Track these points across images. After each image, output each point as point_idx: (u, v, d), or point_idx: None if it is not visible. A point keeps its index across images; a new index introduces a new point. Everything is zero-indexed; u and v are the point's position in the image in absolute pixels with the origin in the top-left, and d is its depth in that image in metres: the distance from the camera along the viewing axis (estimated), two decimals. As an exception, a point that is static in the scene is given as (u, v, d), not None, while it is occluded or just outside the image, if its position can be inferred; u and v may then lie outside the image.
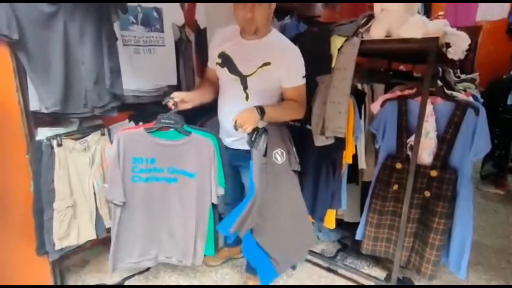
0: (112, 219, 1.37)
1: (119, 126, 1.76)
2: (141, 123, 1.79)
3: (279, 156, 1.36)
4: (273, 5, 1.31)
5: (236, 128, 1.23)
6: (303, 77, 1.36)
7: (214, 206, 1.44)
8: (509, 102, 2.98)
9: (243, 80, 1.34)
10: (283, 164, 1.38)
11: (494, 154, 3.07)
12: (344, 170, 1.71)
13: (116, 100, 1.46)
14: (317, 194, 1.73)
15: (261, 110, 1.25)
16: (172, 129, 1.34)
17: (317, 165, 1.68)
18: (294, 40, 1.43)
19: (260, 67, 1.31)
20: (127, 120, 1.82)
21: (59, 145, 1.35)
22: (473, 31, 4.80)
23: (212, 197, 1.40)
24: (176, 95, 1.30)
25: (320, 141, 1.58)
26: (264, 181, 1.29)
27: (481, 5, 3.64)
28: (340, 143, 1.58)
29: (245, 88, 1.35)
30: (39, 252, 1.40)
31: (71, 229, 1.42)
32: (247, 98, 1.37)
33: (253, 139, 1.26)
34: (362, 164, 1.77)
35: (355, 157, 1.70)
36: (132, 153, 1.32)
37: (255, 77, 1.33)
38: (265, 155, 1.31)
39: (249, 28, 1.30)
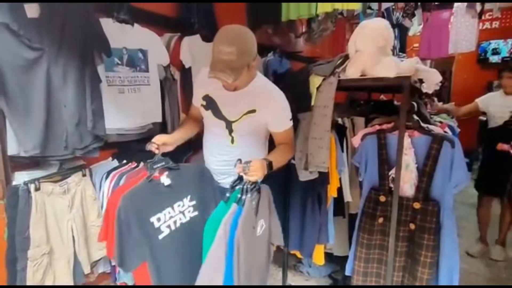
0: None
1: (102, 165, 1.74)
2: (124, 161, 1.79)
3: (259, 227, 1.27)
4: (253, 66, 1.26)
5: (241, 170, 1.17)
6: (290, 119, 1.38)
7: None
8: None
9: (228, 124, 1.35)
10: (262, 236, 1.29)
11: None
12: (330, 203, 1.72)
13: (98, 141, 1.45)
14: (304, 229, 1.72)
15: (269, 166, 1.22)
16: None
17: (303, 200, 1.68)
18: (276, 80, 1.49)
19: (245, 114, 1.32)
20: (110, 159, 1.80)
21: (37, 189, 1.31)
22: (447, 61, 5.13)
23: None
24: (158, 139, 1.30)
25: (304, 176, 1.59)
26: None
27: (452, 38, 3.89)
28: (324, 177, 1.60)
29: (230, 131, 1.36)
30: (11, 305, 1.31)
31: (46, 278, 1.34)
32: (232, 141, 1.37)
33: (247, 190, 1.19)
34: (347, 197, 1.78)
35: (340, 190, 1.72)
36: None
37: (240, 123, 1.34)
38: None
39: (228, 88, 1.32)
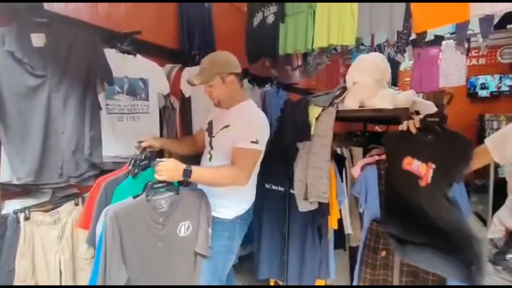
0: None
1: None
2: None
3: (184, 228, 1.25)
4: (229, 81, 1.40)
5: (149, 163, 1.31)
6: (252, 142, 1.30)
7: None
8: None
9: (210, 141, 1.48)
10: (187, 238, 1.25)
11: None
12: (330, 235, 1.66)
13: (94, 169, 1.42)
14: (304, 263, 1.65)
15: (188, 173, 1.18)
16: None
17: (303, 232, 1.63)
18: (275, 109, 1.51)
19: (221, 129, 1.42)
20: (104, 187, 1.75)
21: (27, 218, 1.26)
22: (437, 95, 5.29)
23: None
24: (145, 142, 1.42)
25: (304, 206, 1.56)
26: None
27: (442, 73, 4.06)
28: (324, 208, 1.57)
29: (211, 149, 1.46)
30: None
31: (28, 316, 1.24)
32: (210, 158, 1.45)
33: (155, 186, 1.18)
34: (348, 229, 1.74)
35: (340, 221, 1.67)
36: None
37: (217, 138, 1.44)
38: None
39: (213, 101, 1.47)
